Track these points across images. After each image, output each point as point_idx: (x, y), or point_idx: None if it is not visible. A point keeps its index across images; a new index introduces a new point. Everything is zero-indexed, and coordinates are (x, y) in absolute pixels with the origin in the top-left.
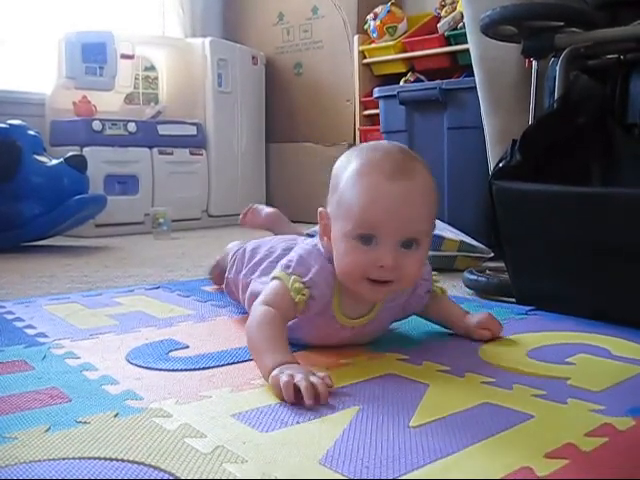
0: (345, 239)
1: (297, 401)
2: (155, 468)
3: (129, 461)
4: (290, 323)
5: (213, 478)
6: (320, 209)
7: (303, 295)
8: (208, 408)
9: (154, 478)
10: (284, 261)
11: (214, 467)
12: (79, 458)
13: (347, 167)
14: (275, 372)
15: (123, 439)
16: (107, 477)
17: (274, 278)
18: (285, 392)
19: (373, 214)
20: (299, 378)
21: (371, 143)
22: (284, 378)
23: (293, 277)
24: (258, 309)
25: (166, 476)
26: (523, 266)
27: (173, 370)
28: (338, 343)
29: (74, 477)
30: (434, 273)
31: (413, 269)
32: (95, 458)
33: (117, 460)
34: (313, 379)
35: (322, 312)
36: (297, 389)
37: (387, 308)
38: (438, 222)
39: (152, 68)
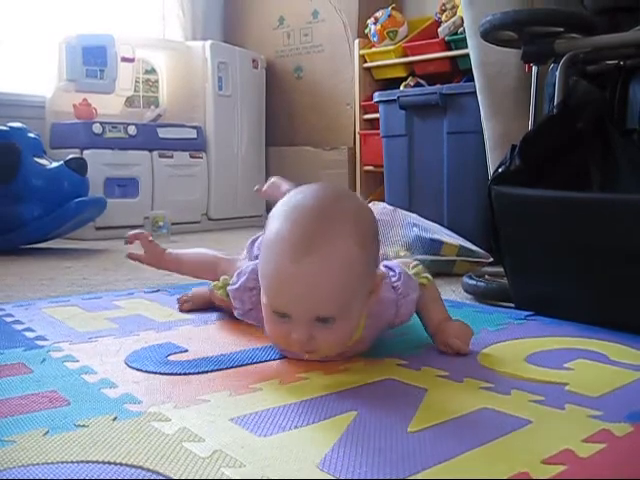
0: (265, 308)
1: None
2: (153, 472)
3: (128, 465)
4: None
5: None
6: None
7: (223, 292)
8: (207, 412)
9: None
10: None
11: (212, 471)
12: (78, 462)
13: (269, 226)
14: None
15: (122, 443)
16: None
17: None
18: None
19: (280, 300)
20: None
21: (299, 195)
22: None
23: (225, 278)
24: (210, 252)
25: None
26: (522, 271)
27: (172, 374)
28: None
29: None
30: (415, 263)
31: (330, 342)
32: (94, 462)
33: (116, 464)
34: None
35: None
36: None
37: (370, 326)
38: (437, 226)
39: (152, 71)
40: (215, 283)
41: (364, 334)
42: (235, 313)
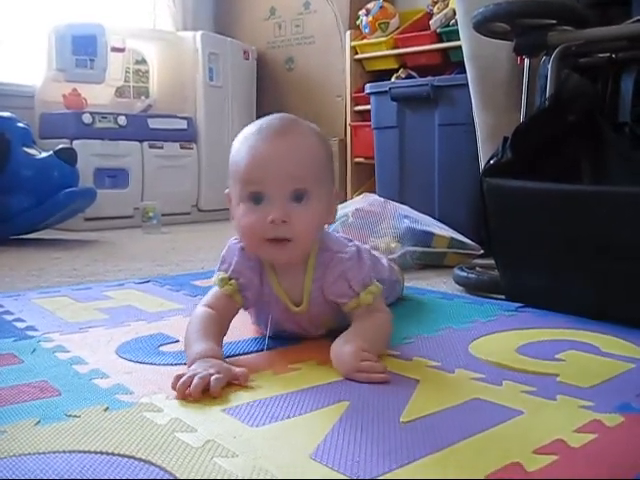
0: (240, 204)
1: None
2: (145, 462)
3: (119, 455)
4: (255, 318)
5: (204, 472)
6: (225, 191)
7: (230, 285)
8: (199, 402)
9: (144, 472)
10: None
11: (205, 461)
12: (69, 452)
13: (235, 143)
14: (193, 366)
15: (113, 433)
16: (97, 471)
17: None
18: (176, 386)
19: (256, 169)
20: (197, 373)
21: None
22: (185, 375)
23: (218, 273)
24: (196, 310)
25: (156, 470)
26: (513, 263)
27: (163, 364)
28: (299, 330)
29: (64, 470)
30: (375, 285)
31: (305, 221)
32: (85, 452)
33: (107, 454)
34: (207, 373)
35: (268, 299)
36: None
37: (316, 288)
38: (428, 218)
39: (143, 61)
40: (221, 289)
41: (313, 297)
42: (242, 302)
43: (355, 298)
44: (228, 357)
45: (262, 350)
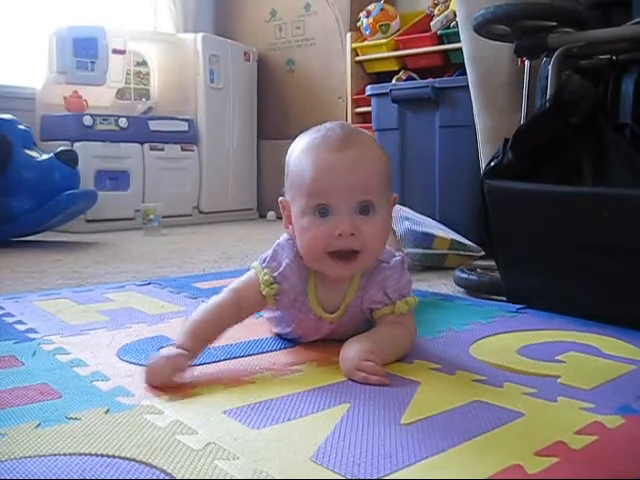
0: (303, 216)
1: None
2: (146, 465)
3: (120, 457)
4: (274, 317)
5: (204, 475)
6: (280, 199)
7: (272, 289)
8: (199, 405)
9: (145, 474)
10: (263, 255)
11: (205, 464)
12: (70, 454)
13: (295, 150)
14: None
15: (114, 435)
16: (98, 473)
17: (251, 268)
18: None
19: (322, 182)
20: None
21: (314, 127)
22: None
23: (265, 270)
24: (221, 293)
25: (157, 473)
26: (514, 265)
27: None
28: (320, 337)
29: (64, 473)
30: (413, 297)
31: (373, 233)
32: (86, 454)
33: (108, 456)
34: (162, 360)
35: (300, 306)
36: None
37: (359, 297)
38: (429, 220)
39: (144, 63)
40: (261, 287)
41: (351, 306)
42: (271, 302)
43: (390, 305)
44: (229, 359)
45: (263, 352)
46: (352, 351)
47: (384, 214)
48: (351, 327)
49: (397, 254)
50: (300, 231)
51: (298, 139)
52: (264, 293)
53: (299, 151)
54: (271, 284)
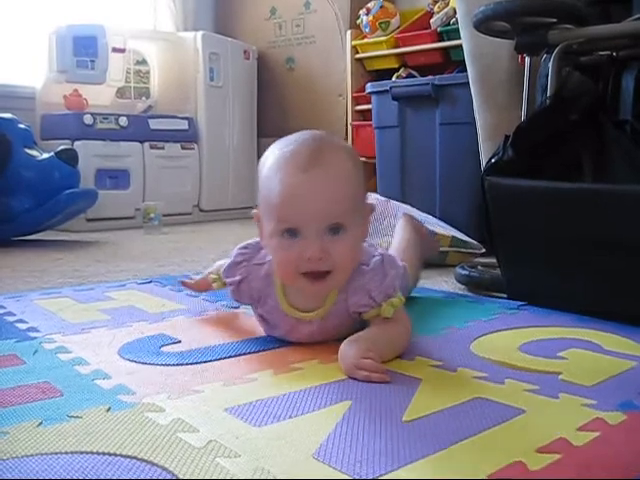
0: (273, 237)
1: None
2: (148, 462)
3: (122, 455)
4: (259, 316)
5: (206, 473)
6: (253, 211)
7: (221, 283)
8: (201, 402)
9: (147, 473)
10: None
11: (207, 461)
12: (71, 452)
13: (265, 164)
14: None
15: (116, 433)
16: (99, 472)
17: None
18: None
19: (290, 207)
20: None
21: (289, 136)
22: None
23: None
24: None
25: (159, 471)
26: (515, 261)
27: (165, 365)
28: (307, 339)
29: (66, 471)
30: (398, 297)
31: (344, 253)
32: (88, 452)
33: (110, 454)
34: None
35: (271, 308)
36: None
37: (341, 300)
38: (430, 217)
39: (144, 62)
40: (213, 276)
41: (338, 308)
42: (230, 294)
43: (376, 307)
44: (230, 357)
45: (264, 350)
46: (350, 350)
47: (356, 231)
48: (343, 328)
49: (376, 253)
50: (271, 252)
51: (270, 149)
52: (214, 285)
53: (269, 166)
54: (216, 280)
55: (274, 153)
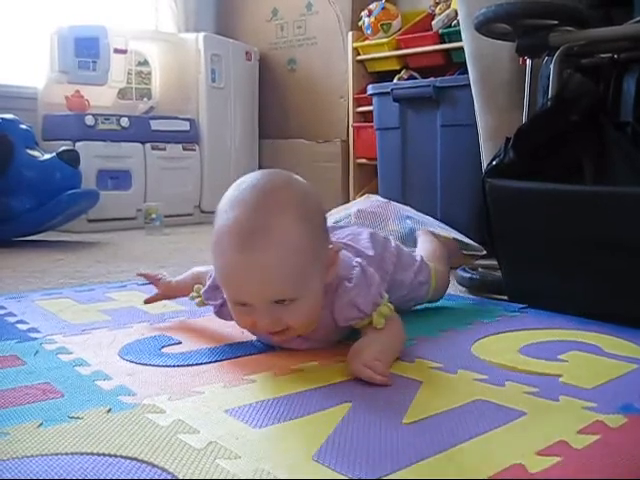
0: (227, 300)
1: None
2: (148, 464)
3: (122, 457)
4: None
5: (206, 474)
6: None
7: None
8: (201, 404)
9: (147, 474)
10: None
11: (207, 463)
12: (72, 453)
13: (215, 220)
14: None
15: (116, 434)
16: (100, 472)
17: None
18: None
19: (231, 284)
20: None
21: (241, 186)
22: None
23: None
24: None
25: (159, 472)
26: (516, 264)
27: (166, 366)
28: (296, 347)
29: (67, 472)
30: (385, 305)
31: (298, 319)
32: (88, 453)
33: (110, 456)
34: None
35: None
36: None
37: (326, 315)
38: (431, 219)
39: (145, 63)
40: (191, 294)
41: (322, 322)
42: (213, 312)
43: (367, 317)
44: (230, 359)
45: (264, 352)
46: (363, 351)
47: (308, 296)
48: (331, 336)
49: (354, 262)
50: (230, 309)
51: (222, 200)
52: (195, 302)
53: (215, 228)
54: (196, 297)
55: (220, 213)
